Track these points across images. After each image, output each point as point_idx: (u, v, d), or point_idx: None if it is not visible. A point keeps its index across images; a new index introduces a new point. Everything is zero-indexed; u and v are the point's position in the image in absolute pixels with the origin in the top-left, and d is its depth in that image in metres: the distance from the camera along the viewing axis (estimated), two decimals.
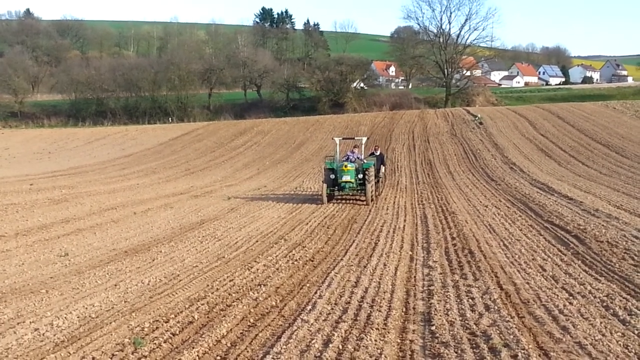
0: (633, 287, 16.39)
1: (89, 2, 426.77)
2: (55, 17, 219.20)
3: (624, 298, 15.40)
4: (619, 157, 55.31)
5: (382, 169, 40.61)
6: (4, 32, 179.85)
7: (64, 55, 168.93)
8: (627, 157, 54.80)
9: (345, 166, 35.06)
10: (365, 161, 36.94)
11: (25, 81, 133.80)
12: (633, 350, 12.04)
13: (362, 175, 35.29)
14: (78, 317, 14.74)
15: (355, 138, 43.61)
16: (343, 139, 43.84)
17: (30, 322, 14.38)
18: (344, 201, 36.29)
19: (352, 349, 12.24)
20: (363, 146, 38.91)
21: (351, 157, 36.85)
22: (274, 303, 15.82)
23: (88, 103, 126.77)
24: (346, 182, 34.92)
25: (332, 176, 35.72)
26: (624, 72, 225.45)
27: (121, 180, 50.62)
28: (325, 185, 35.65)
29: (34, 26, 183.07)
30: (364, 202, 35.06)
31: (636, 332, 13.04)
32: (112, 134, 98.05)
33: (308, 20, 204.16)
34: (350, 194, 36.57)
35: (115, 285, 17.56)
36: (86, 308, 15.43)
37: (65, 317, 14.69)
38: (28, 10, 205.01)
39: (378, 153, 40.90)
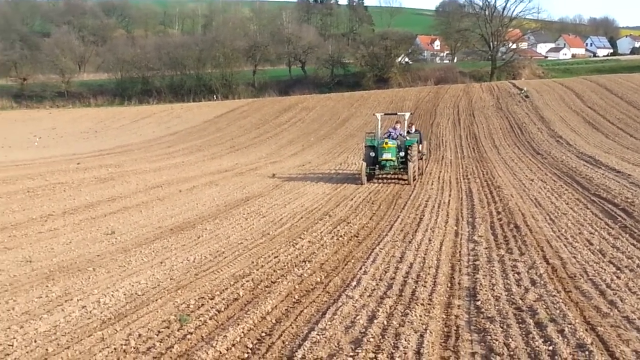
0: None
1: None
2: None
3: None
4: None
5: (419, 147, 37.20)
6: (50, 13, 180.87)
7: (110, 35, 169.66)
8: None
9: (386, 143, 33.25)
10: (407, 138, 34.93)
11: (72, 61, 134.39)
12: None
13: (404, 153, 33.70)
14: (124, 295, 14.90)
15: (398, 113, 41.98)
16: (385, 114, 41.92)
17: (77, 300, 14.55)
18: (385, 180, 34.89)
19: (397, 325, 12.21)
20: (406, 122, 37.25)
21: (393, 133, 35.04)
22: (318, 279, 15.86)
23: (134, 82, 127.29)
24: (387, 160, 33.27)
25: (373, 154, 34.03)
26: None
27: (166, 158, 50.89)
28: (364, 164, 33.87)
29: (79, 6, 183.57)
30: (406, 182, 33.32)
31: None
32: (158, 113, 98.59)
33: None
34: (392, 172, 35.01)
35: (161, 263, 17.70)
36: (132, 286, 15.59)
37: (112, 295, 14.85)
38: None
39: (413, 131, 38.86)
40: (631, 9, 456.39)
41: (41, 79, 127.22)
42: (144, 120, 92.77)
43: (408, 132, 37.16)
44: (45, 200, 29.61)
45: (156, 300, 14.50)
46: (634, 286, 14.20)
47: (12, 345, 11.95)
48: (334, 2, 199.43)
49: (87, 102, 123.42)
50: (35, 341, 12.12)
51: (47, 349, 11.70)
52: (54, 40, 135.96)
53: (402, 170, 33.94)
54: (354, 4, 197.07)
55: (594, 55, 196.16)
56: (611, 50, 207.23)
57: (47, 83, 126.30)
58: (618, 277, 14.91)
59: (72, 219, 24.98)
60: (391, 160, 33.34)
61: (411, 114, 42.35)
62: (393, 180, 34.71)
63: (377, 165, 33.97)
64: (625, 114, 63.56)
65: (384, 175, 35.64)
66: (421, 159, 37.55)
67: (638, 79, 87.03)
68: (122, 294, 14.98)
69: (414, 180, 33.53)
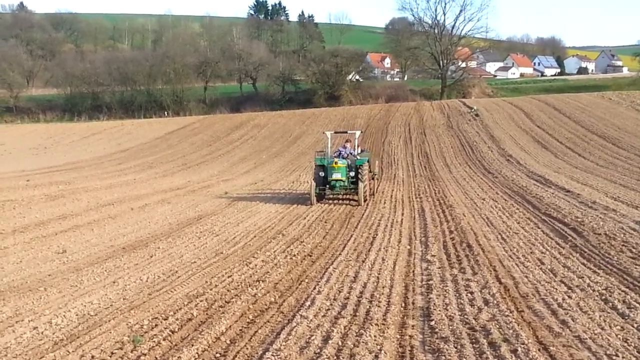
0: (632, 280, 16.44)
1: None
2: (49, 10, 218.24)
3: (622, 291, 15.46)
4: (616, 148, 55.33)
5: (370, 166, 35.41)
6: None
7: (59, 49, 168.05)
8: (624, 148, 54.83)
9: (336, 163, 32.35)
10: (358, 157, 33.87)
11: (20, 75, 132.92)
12: (632, 344, 12.11)
13: (354, 173, 32.88)
14: (77, 315, 14.78)
15: (349, 132, 40.41)
16: (335, 132, 40.54)
17: (29, 321, 14.42)
18: (335, 201, 33.88)
19: (352, 345, 12.28)
20: (357, 141, 36.14)
21: (343, 152, 34.20)
22: (272, 299, 15.87)
23: (83, 97, 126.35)
24: (337, 180, 32.39)
25: (322, 174, 33.04)
26: (619, 63, 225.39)
27: (118, 176, 50.57)
28: (314, 184, 32.87)
29: (27, 19, 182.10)
30: (357, 203, 32.40)
31: (635, 325, 13.11)
32: (108, 129, 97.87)
33: (302, 12, 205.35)
34: (342, 193, 33.86)
35: (114, 283, 17.58)
36: (85, 306, 15.47)
37: (64, 315, 14.73)
38: (22, 3, 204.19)
39: (354, 150, 35.53)
40: (578, 30, 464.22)
41: None
42: (95, 136, 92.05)
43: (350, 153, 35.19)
44: None
45: (109, 320, 14.39)
46: (585, 306, 14.41)
47: None
48: (284, 19, 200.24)
49: (36, 117, 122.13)
50: None
51: None
52: (0, 53, 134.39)
53: (352, 190, 33.05)
54: (304, 20, 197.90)
55: (542, 75, 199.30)
56: (558, 70, 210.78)
57: None
58: (569, 297, 15.13)
59: (22, 238, 24.67)
60: (341, 180, 32.52)
61: (362, 132, 42.30)
62: (344, 201, 33.89)
63: (327, 186, 33.14)
64: (573, 133, 64.44)
65: (335, 196, 34.72)
66: (373, 178, 36.44)
67: (585, 98, 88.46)
68: (74, 314, 14.85)
69: (364, 201, 32.66)
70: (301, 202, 33.36)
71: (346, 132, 43.21)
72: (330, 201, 34.02)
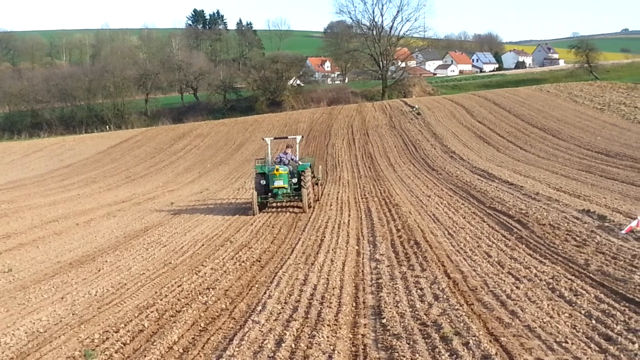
0: (577, 268, 16.68)
1: (18, 13, 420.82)
2: None
3: (568, 279, 15.68)
4: (556, 140, 56.19)
5: (313, 171, 34.53)
6: None
7: None
8: (564, 139, 55.67)
9: (277, 170, 31.06)
10: (300, 163, 33.00)
11: None
12: (581, 330, 12.27)
13: (297, 179, 31.92)
14: (26, 333, 14.62)
15: (289, 137, 39.90)
16: (275, 138, 39.54)
17: None
18: (275, 213, 31.92)
19: (305, 347, 12.30)
20: (297, 146, 35.33)
21: (284, 159, 32.83)
22: (223, 306, 15.83)
23: (22, 115, 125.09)
24: (279, 187, 31.24)
25: (263, 182, 31.69)
26: (556, 55, 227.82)
27: (61, 192, 50.01)
28: (255, 193, 31.40)
29: None
30: (302, 210, 31.30)
31: (583, 312, 13.28)
32: (49, 146, 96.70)
33: (240, 20, 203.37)
34: (285, 201, 32.51)
35: (62, 298, 17.41)
36: (34, 323, 15.30)
37: (12, 334, 14.56)
38: None
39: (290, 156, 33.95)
40: (514, 25, 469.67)
41: None
42: (36, 154, 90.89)
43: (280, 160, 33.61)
44: None
45: (59, 336, 14.27)
46: (533, 295, 14.58)
47: None
48: (223, 28, 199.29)
49: None
50: None
51: None
52: None
53: (296, 197, 31.88)
54: (243, 28, 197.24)
55: (481, 71, 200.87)
56: (497, 66, 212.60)
57: None
58: (517, 288, 15.30)
59: None
60: (284, 187, 31.37)
61: (302, 137, 41.79)
62: (289, 208, 32.74)
63: (270, 194, 31.86)
64: (514, 127, 65.28)
65: (278, 204, 33.52)
66: (317, 184, 35.63)
67: (524, 92, 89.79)
68: (23, 332, 14.69)
69: (309, 207, 31.50)
70: (247, 209, 32.79)
71: (287, 138, 42.43)
72: (276, 207, 33.55)
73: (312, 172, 33.58)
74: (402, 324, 13.34)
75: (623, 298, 14.00)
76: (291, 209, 31.50)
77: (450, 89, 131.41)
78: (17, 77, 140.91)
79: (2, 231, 30.57)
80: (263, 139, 37.77)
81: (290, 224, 28.09)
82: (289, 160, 32.92)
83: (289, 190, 31.69)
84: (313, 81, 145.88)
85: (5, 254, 25.09)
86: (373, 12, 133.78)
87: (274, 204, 33.58)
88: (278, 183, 31.18)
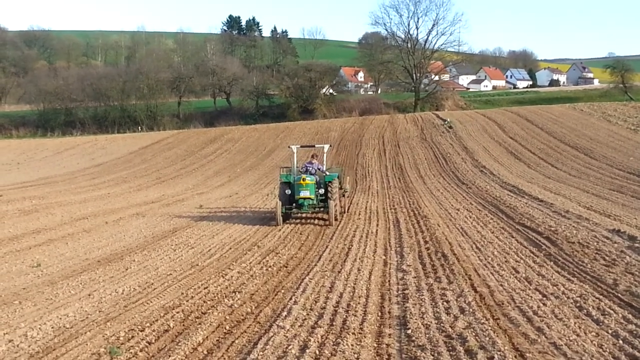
0: (605, 287, 16.53)
1: (56, 13, 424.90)
2: (22, 28, 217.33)
3: (596, 298, 15.52)
4: (587, 158, 55.80)
5: (341, 182, 33.17)
6: None
7: (32, 66, 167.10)
8: (596, 158, 55.27)
9: (304, 179, 29.86)
10: (327, 173, 31.72)
11: None
12: (607, 350, 12.13)
13: (323, 190, 30.57)
14: (52, 328, 14.64)
15: (316, 146, 38.05)
16: (301, 146, 37.95)
17: (4, 334, 14.26)
18: (303, 221, 31.27)
19: (329, 354, 12.22)
20: (325, 155, 34.55)
21: (310, 168, 31.46)
22: (249, 310, 15.79)
23: (56, 113, 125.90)
24: (305, 198, 29.93)
25: (288, 191, 30.55)
26: (590, 75, 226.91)
27: (92, 190, 50.27)
28: (279, 203, 30.07)
29: (0, 37, 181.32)
30: (327, 222, 29.97)
31: (610, 331, 13.14)
32: (82, 144, 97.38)
33: (275, 28, 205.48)
34: (311, 212, 31.45)
35: (89, 295, 17.44)
36: (60, 318, 15.32)
37: (39, 328, 14.59)
38: None
39: (317, 166, 32.56)
40: (549, 43, 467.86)
41: None
42: (68, 151, 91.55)
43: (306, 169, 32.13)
44: None
45: (85, 333, 14.28)
46: (559, 313, 14.44)
47: None
48: (258, 34, 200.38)
49: (9, 133, 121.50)
50: None
51: None
52: None
53: (322, 209, 30.70)
54: (278, 36, 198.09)
55: (514, 87, 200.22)
56: (530, 82, 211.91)
57: None
58: (544, 304, 15.15)
59: None
60: (310, 198, 30.06)
61: (330, 146, 39.93)
62: (314, 220, 31.42)
63: (294, 204, 30.55)
64: (546, 144, 64.88)
65: (303, 215, 32.39)
66: (344, 195, 33.93)
67: (557, 110, 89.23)
68: (49, 327, 14.71)
69: (335, 220, 30.02)
70: (272, 219, 31.69)
71: (314, 147, 40.16)
72: (300, 218, 32.45)
73: (340, 183, 32.28)
74: (427, 336, 13.25)
75: None
76: (316, 221, 30.90)
77: (483, 103, 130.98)
78: (53, 76, 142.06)
79: (32, 226, 30.72)
80: (289, 147, 36.17)
81: (318, 232, 28.04)
82: (315, 170, 31.64)
83: (315, 202, 30.47)
84: (346, 91, 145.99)
85: (35, 249, 25.20)
86: (408, 24, 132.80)
87: (299, 215, 32.34)
88: (304, 193, 29.94)
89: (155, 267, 21.11)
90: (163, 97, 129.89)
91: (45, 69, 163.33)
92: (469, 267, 19.42)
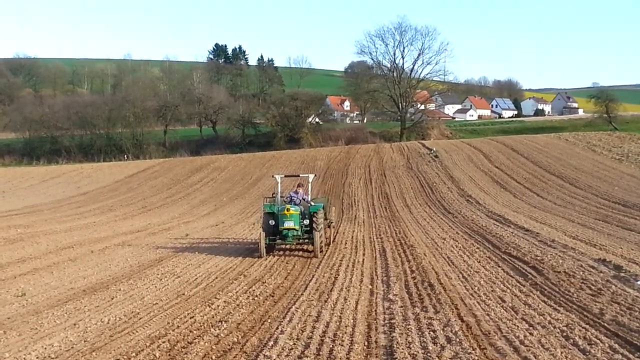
0: (591, 317, 16.59)
1: (42, 40, 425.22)
2: (8, 55, 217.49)
3: (583, 327, 15.59)
4: (573, 188, 56.14)
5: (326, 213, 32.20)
6: None
7: (17, 94, 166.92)
8: (581, 188, 55.63)
9: (288, 210, 28.89)
10: (312, 203, 30.77)
11: None
12: None
13: (308, 221, 29.50)
14: (37, 358, 14.59)
15: (301, 175, 36.72)
16: (285, 176, 37.76)
17: None
18: (287, 252, 30.61)
19: None
20: (310, 185, 33.44)
21: (295, 198, 30.50)
22: (235, 339, 15.75)
23: (42, 141, 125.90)
24: (289, 229, 29.02)
25: (272, 222, 29.59)
26: (575, 105, 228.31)
27: (77, 219, 50.14)
28: (263, 234, 29.12)
29: None
30: (312, 254, 29.21)
31: None
32: (67, 172, 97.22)
33: (262, 56, 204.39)
34: (295, 243, 30.53)
35: (75, 325, 17.37)
36: (45, 348, 15.25)
37: (24, 358, 14.54)
38: None
39: (301, 194, 31.61)
40: (534, 73, 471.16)
41: None
42: (54, 180, 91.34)
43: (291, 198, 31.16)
44: None
45: None
46: (546, 342, 14.48)
47: None
48: (244, 63, 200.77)
49: None
50: None
51: None
52: None
53: (307, 240, 29.87)
54: (264, 64, 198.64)
55: (500, 117, 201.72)
56: (516, 112, 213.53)
57: None
58: (531, 334, 15.19)
59: None
60: (294, 229, 29.14)
61: (315, 176, 39.44)
62: (298, 252, 30.56)
63: (278, 235, 29.64)
64: (531, 173, 65.25)
65: (287, 247, 31.62)
66: (329, 226, 33.12)
67: (542, 140, 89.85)
68: (34, 357, 14.65)
69: (321, 252, 29.23)
70: (255, 250, 30.96)
71: (298, 176, 38.76)
72: (284, 250, 31.72)
73: (325, 214, 31.34)
74: None
75: (638, 349, 13.91)
76: (300, 253, 30.32)
77: (469, 133, 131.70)
78: (39, 104, 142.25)
79: (17, 255, 30.61)
80: (273, 176, 35.84)
81: (304, 261, 28.02)
82: (300, 200, 30.70)
83: (299, 233, 29.52)
84: (332, 120, 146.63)
85: (20, 278, 25.09)
86: (394, 54, 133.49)
87: (283, 246, 31.56)
88: (288, 224, 29.03)
89: (141, 296, 21.02)
90: (149, 125, 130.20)
91: (31, 97, 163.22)
92: (455, 297, 19.45)
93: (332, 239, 33.76)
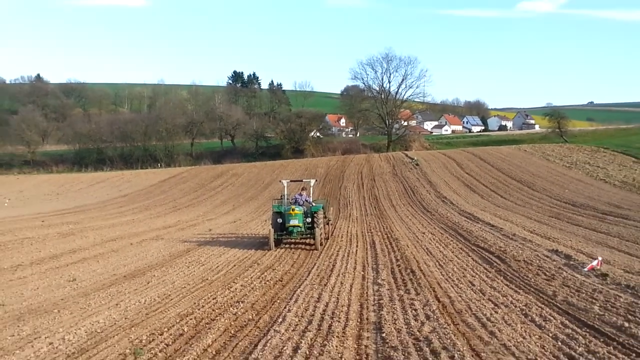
0: (546, 298, 16.64)
1: (90, 67, 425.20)
2: (61, 81, 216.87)
3: (539, 307, 15.63)
4: (530, 190, 56.09)
5: (325, 212, 32.30)
6: (17, 94, 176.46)
7: (69, 113, 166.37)
8: (537, 190, 55.60)
9: (293, 210, 29.28)
10: (313, 204, 31.06)
11: (36, 134, 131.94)
12: (548, 350, 12.23)
13: (310, 219, 29.89)
14: (86, 332, 14.63)
15: (304, 180, 36.82)
16: (291, 181, 36.72)
17: (45, 338, 14.25)
18: (293, 245, 30.56)
19: (317, 354, 12.29)
20: (312, 188, 34.10)
21: (299, 199, 30.98)
22: (250, 317, 15.79)
23: (90, 152, 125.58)
24: (294, 226, 29.36)
25: (280, 220, 30.02)
26: (532, 121, 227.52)
27: (119, 217, 50.06)
28: (272, 230, 29.52)
29: (43, 88, 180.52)
30: (313, 247, 29.33)
31: (550, 335, 13.25)
32: (111, 178, 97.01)
33: (272, 81, 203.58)
34: (299, 238, 30.98)
35: (117, 305, 17.40)
36: (92, 324, 15.31)
37: (75, 333, 14.57)
38: (38, 75, 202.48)
39: (304, 197, 31.81)
40: (498, 94, 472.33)
41: (9, 150, 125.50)
42: (99, 184, 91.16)
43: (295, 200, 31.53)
44: (14, 252, 28.89)
45: (113, 336, 14.28)
46: (508, 319, 14.54)
47: None
48: (257, 87, 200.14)
49: (50, 169, 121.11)
50: None
51: None
52: (20, 117, 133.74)
53: (309, 235, 30.04)
54: (274, 88, 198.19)
55: (470, 131, 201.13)
56: (483, 127, 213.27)
57: (15, 153, 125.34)
58: (496, 312, 15.24)
59: (38, 269, 24.41)
60: (298, 226, 29.44)
61: (316, 181, 39.44)
62: (301, 245, 30.46)
63: (285, 231, 29.89)
64: (496, 179, 65.16)
65: (292, 241, 31.57)
66: (328, 223, 32.99)
67: (505, 150, 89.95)
68: (83, 332, 14.70)
69: (321, 245, 29.42)
70: (265, 244, 31.10)
71: (302, 181, 38.18)
72: (290, 244, 31.59)
73: (324, 213, 31.59)
74: (398, 338, 13.32)
75: (584, 325, 13.95)
76: (303, 246, 30.27)
77: (444, 145, 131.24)
78: (87, 121, 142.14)
79: (69, 247, 30.62)
80: (280, 181, 36.40)
81: (307, 252, 28.09)
82: (303, 201, 31.05)
83: (303, 229, 29.80)
84: (330, 134, 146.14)
85: (71, 266, 25.14)
86: (382, 79, 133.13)
87: (289, 240, 31.61)
88: (293, 222, 29.36)
89: (172, 281, 21.06)
90: (179, 138, 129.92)
91: (81, 115, 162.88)
92: (433, 281, 19.49)
93: (330, 234, 33.83)
